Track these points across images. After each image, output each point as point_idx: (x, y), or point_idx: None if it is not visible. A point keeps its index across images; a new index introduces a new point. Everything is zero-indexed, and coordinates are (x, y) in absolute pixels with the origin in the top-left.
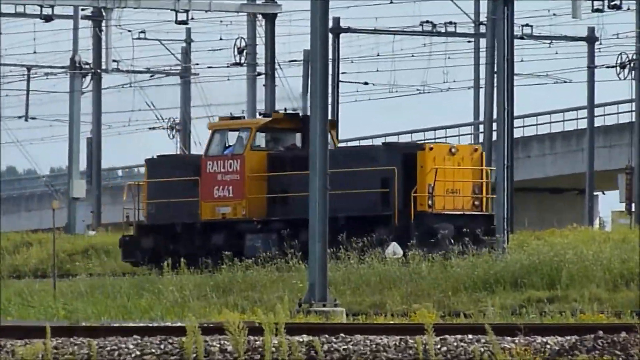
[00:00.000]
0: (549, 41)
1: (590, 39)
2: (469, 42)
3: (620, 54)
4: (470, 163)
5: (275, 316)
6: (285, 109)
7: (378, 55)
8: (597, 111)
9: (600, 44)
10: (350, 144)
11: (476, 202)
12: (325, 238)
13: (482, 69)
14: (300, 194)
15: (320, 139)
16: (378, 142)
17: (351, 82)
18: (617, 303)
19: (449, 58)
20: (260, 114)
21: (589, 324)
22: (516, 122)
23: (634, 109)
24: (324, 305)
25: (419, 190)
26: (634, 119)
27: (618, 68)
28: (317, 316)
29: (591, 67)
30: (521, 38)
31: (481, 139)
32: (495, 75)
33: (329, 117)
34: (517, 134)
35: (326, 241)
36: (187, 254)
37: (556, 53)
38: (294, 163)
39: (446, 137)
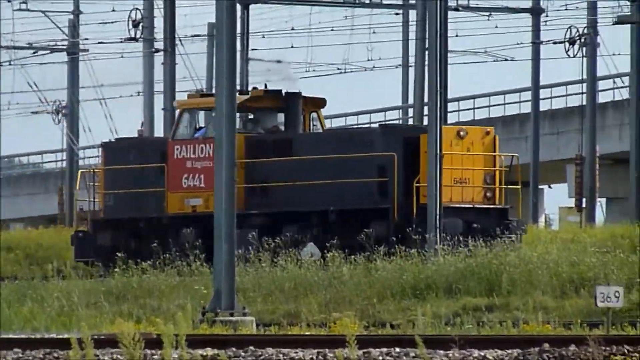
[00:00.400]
0: (487, 13)
1: (535, 10)
2: (397, 14)
3: (569, 27)
4: (482, 148)
5: (176, 327)
6: (266, 85)
7: (293, 29)
8: (543, 93)
9: (547, 16)
10: None
11: (488, 194)
12: (232, 238)
13: (412, 44)
14: (283, 184)
15: (227, 125)
16: None
17: (262, 60)
18: (565, 312)
19: (373, 32)
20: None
21: (534, 336)
22: (450, 106)
23: (584, 90)
24: (231, 315)
25: (422, 179)
26: (584, 102)
27: (567, 44)
28: (223, 327)
29: (536, 43)
30: (456, 10)
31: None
32: (427, 52)
33: (320, 96)
34: (452, 119)
35: (234, 241)
36: (151, 254)
37: (496, 27)
38: (276, 148)
39: (370, 122)
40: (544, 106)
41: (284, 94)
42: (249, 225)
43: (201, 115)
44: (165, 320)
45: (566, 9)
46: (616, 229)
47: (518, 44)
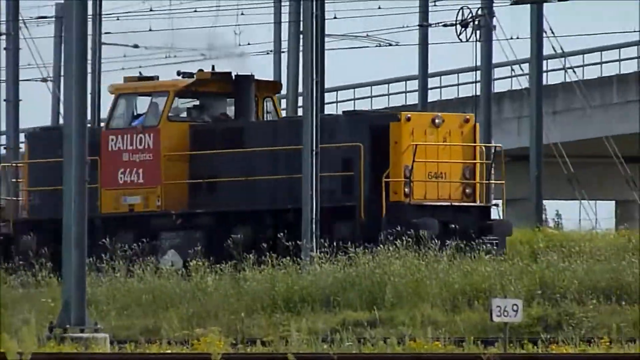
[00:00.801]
0: None
1: None
2: None
3: (461, 8)
4: (460, 138)
5: (20, 344)
6: (213, 67)
7: (151, 10)
8: (432, 82)
9: None
10: None
11: (467, 190)
12: (83, 242)
13: (285, 28)
14: (232, 179)
15: (77, 116)
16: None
17: (117, 45)
18: (457, 327)
19: (242, 14)
20: (179, 74)
21: (421, 354)
22: (328, 96)
23: (478, 79)
24: (82, 331)
25: (393, 173)
26: (478, 92)
27: (458, 27)
28: (73, 344)
29: (424, 26)
30: None
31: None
32: (302, 37)
33: (256, 75)
34: (330, 110)
35: (84, 247)
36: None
37: (379, 8)
38: (225, 138)
39: None
40: (432, 96)
41: (233, 77)
42: (193, 227)
43: (140, 101)
44: (8, 337)
45: None
46: (514, 233)
47: (403, 27)
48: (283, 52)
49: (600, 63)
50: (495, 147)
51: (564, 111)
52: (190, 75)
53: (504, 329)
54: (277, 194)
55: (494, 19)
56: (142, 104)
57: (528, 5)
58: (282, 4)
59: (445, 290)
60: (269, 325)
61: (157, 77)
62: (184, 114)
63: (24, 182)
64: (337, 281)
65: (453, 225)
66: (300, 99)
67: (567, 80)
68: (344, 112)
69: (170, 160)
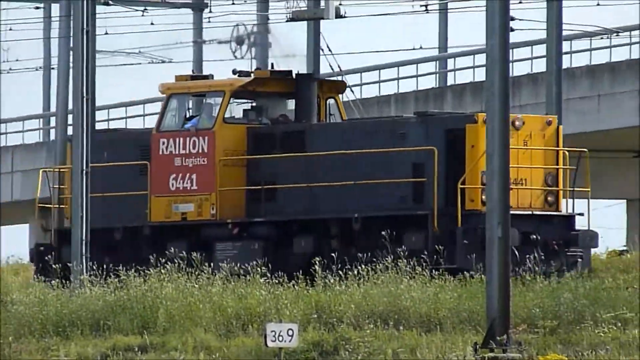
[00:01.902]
0: (142, 8)
1: (197, 5)
2: (37, 8)
3: (237, 25)
4: (542, 142)
5: None
6: (272, 65)
7: None
8: None
9: (211, 11)
10: None
11: (550, 198)
12: None
13: (55, 44)
14: (294, 185)
15: None
16: None
17: None
18: (231, 353)
19: (10, 30)
20: (235, 72)
21: None
22: (100, 114)
23: None
24: None
25: (469, 180)
26: None
27: (234, 44)
28: None
29: (198, 43)
30: (106, 4)
31: (53, 136)
32: (72, 53)
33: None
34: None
35: None
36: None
37: (152, 24)
38: (286, 141)
39: (7, 133)
40: None
41: (294, 76)
42: (251, 237)
43: (193, 101)
44: None
45: (233, 4)
46: None
47: (177, 43)
48: (53, 68)
49: (379, 82)
50: (581, 151)
51: None
52: (248, 74)
53: (279, 354)
54: (342, 201)
55: (270, 37)
56: (196, 105)
57: (305, 23)
58: (52, 19)
59: (219, 314)
60: (39, 349)
61: (212, 76)
62: (242, 116)
63: (67, 189)
64: (107, 304)
65: (534, 236)
66: (70, 116)
67: (345, 99)
68: (416, 113)
69: (226, 165)
